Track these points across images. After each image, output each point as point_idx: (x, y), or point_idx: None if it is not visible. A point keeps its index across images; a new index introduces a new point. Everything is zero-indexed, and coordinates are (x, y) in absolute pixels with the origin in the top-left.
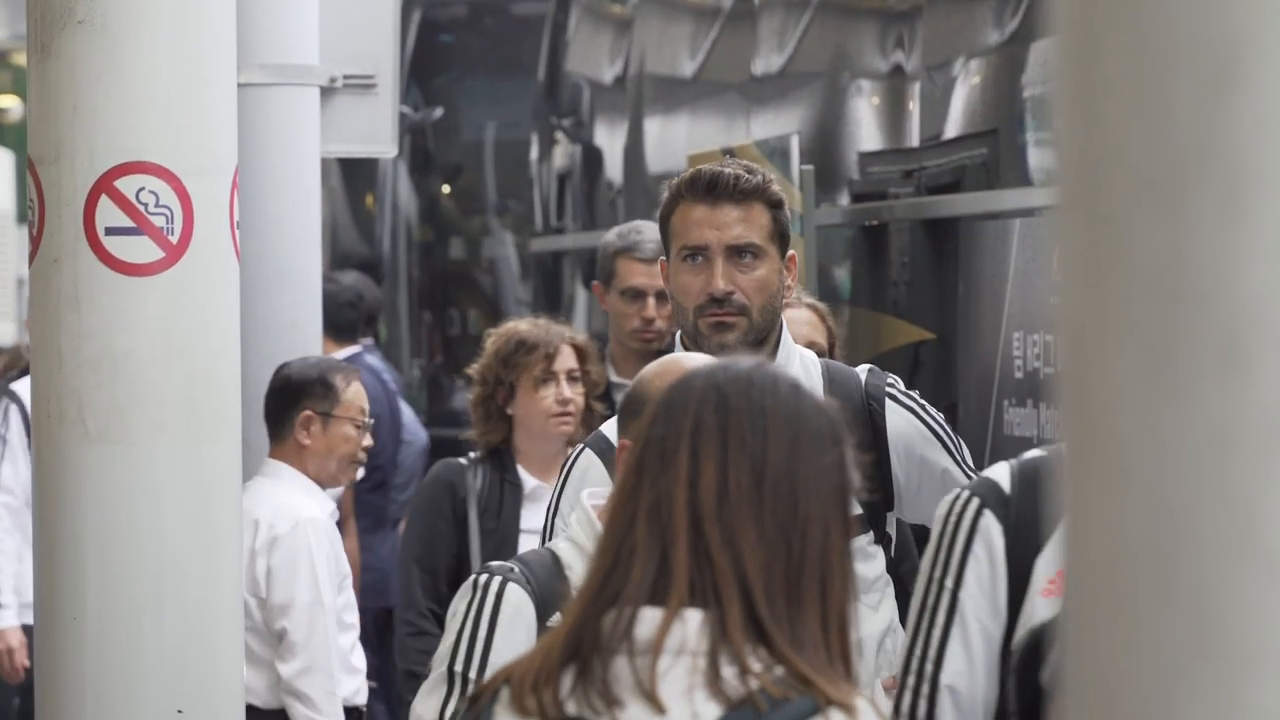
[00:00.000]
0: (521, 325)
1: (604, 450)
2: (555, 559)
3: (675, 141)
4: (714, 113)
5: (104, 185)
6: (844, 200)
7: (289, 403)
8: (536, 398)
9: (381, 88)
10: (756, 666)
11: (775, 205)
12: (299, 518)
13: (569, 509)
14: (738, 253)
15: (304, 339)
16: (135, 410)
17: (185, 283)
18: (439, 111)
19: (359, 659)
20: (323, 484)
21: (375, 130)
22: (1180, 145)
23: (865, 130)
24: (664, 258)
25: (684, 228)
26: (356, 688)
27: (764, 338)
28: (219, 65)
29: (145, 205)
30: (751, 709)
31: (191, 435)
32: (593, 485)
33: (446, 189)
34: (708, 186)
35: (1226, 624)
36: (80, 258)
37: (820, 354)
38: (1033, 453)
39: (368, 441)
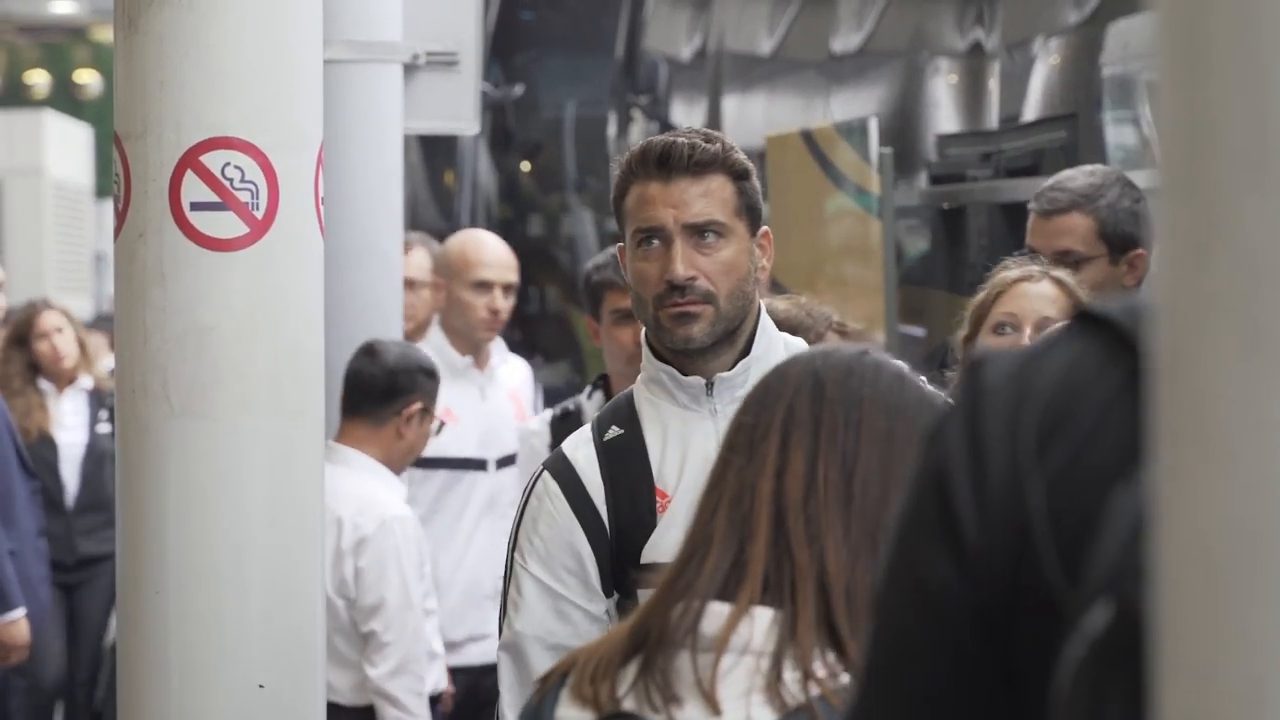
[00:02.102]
0: (779, 304)
1: (562, 471)
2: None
3: (753, 120)
4: (792, 92)
5: (190, 160)
6: (922, 183)
7: (401, 390)
8: None
9: (464, 65)
10: (821, 673)
11: (740, 175)
12: (385, 516)
13: (526, 541)
14: (698, 232)
15: (384, 317)
16: (219, 385)
17: (270, 258)
18: (519, 89)
19: (438, 643)
20: (397, 473)
21: (457, 107)
22: None
23: (944, 112)
24: (620, 245)
25: (637, 208)
26: (438, 676)
27: (735, 328)
28: (305, 41)
29: (230, 180)
30: (807, 717)
31: (275, 410)
32: (548, 515)
33: (526, 166)
34: (659, 160)
35: None
36: (165, 233)
37: None
38: None
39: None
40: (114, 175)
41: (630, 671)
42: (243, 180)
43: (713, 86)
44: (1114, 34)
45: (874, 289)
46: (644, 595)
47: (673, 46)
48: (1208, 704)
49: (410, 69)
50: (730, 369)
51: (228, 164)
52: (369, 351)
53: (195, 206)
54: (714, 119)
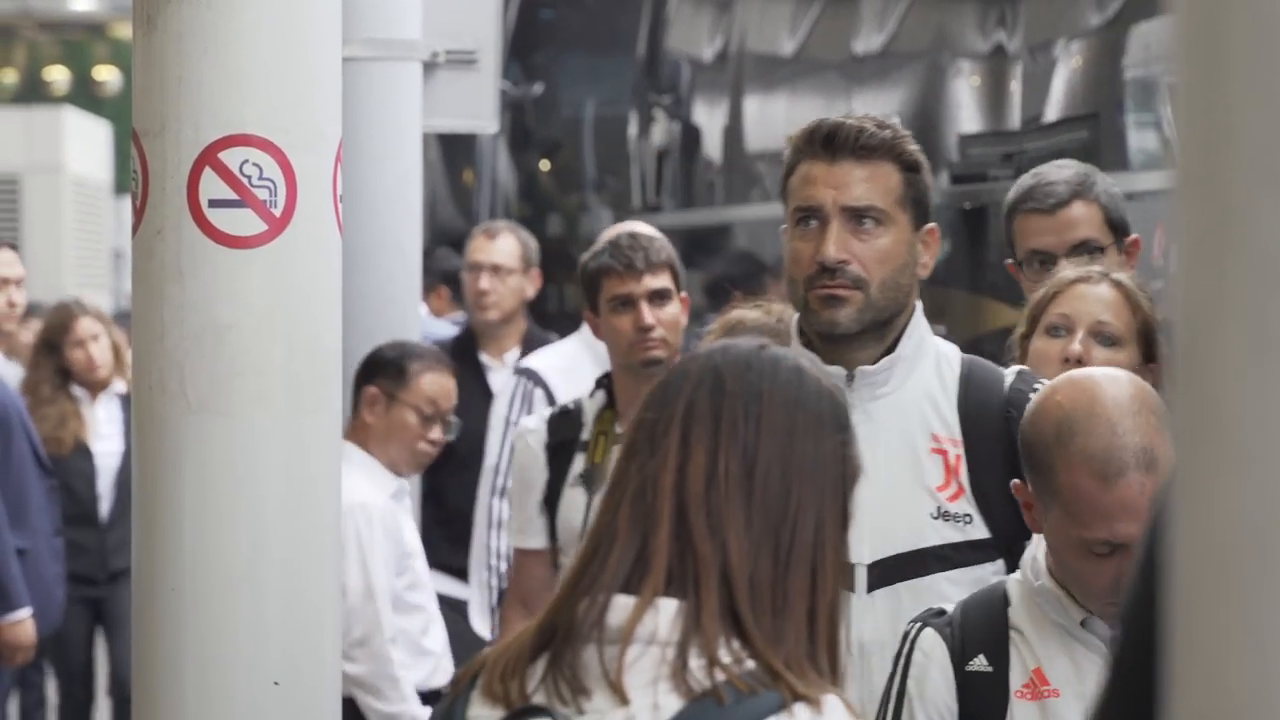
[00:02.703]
0: (748, 314)
1: None
2: (1004, 595)
3: (774, 121)
4: (814, 92)
5: (208, 158)
6: (944, 182)
7: (362, 378)
8: None
9: (483, 63)
10: (726, 659)
11: (909, 166)
12: (348, 503)
13: None
14: (856, 216)
15: (402, 314)
16: (236, 382)
17: (288, 256)
18: (539, 87)
19: (434, 640)
20: (396, 470)
21: (476, 105)
22: None
23: (965, 112)
24: (784, 226)
25: (799, 187)
26: (431, 670)
27: (885, 320)
28: (324, 39)
29: (249, 178)
30: (713, 702)
31: (292, 407)
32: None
33: (545, 165)
34: (825, 139)
35: None
36: (183, 230)
37: (1113, 341)
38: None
39: (436, 435)
40: (132, 172)
41: (539, 667)
42: (261, 178)
43: (734, 87)
44: (1136, 36)
45: None
46: None
47: (694, 46)
48: (1219, 700)
49: (429, 67)
50: (874, 363)
51: (246, 161)
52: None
53: (213, 204)
54: (735, 119)
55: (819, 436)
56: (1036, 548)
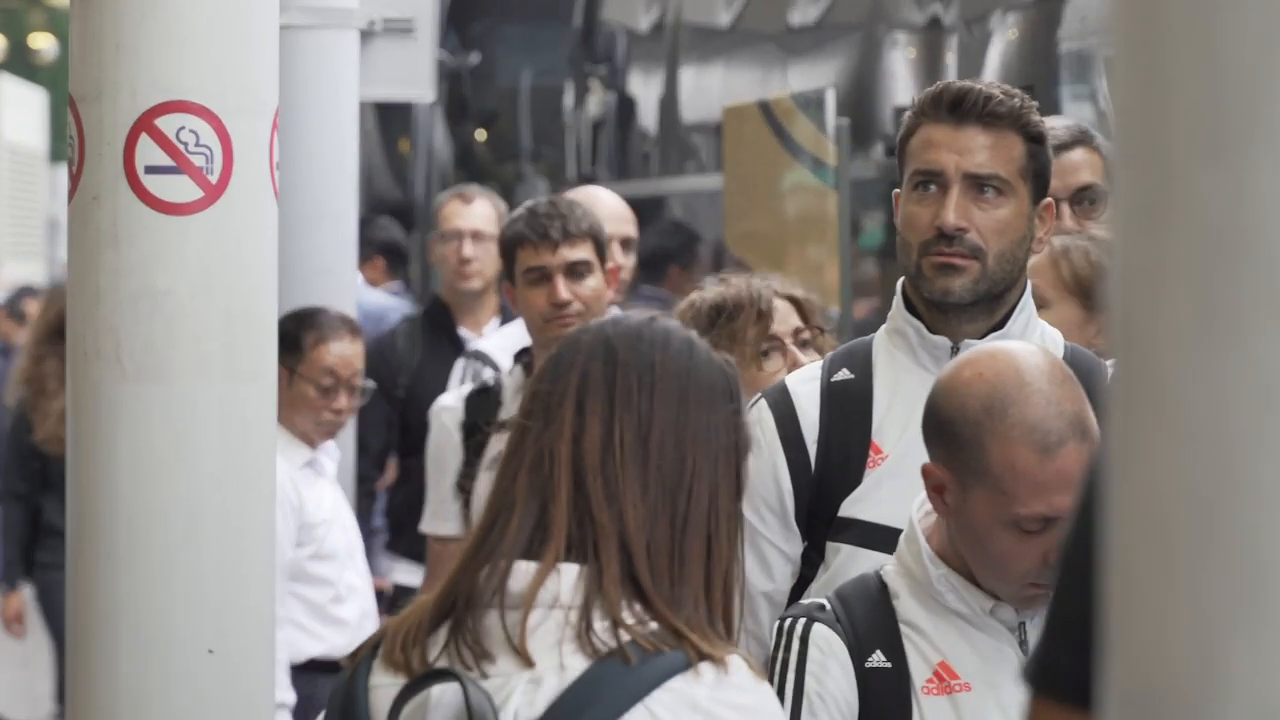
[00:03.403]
0: (708, 296)
1: (779, 402)
2: (882, 586)
3: (710, 92)
4: (750, 64)
5: (144, 124)
6: (879, 154)
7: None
8: (761, 377)
9: (420, 32)
10: (629, 620)
11: (1033, 138)
12: None
13: None
14: (978, 184)
15: (338, 282)
16: (172, 349)
17: (224, 223)
18: (475, 57)
19: (349, 610)
20: (308, 441)
21: (413, 75)
22: (1241, 93)
23: (901, 84)
24: (896, 190)
25: (920, 149)
26: (348, 640)
27: (998, 293)
28: (262, 6)
29: (185, 144)
30: (619, 661)
31: (228, 374)
32: (755, 444)
33: (481, 135)
34: (953, 103)
35: (1278, 577)
36: (120, 196)
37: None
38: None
39: (342, 404)
40: (68, 138)
41: (440, 636)
42: (197, 144)
43: (670, 57)
44: (1071, 9)
45: (830, 261)
46: (832, 550)
47: (631, 17)
48: (1158, 671)
49: (366, 35)
50: (981, 337)
51: (183, 128)
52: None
53: (150, 170)
54: (671, 90)
55: (712, 406)
56: (921, 538)
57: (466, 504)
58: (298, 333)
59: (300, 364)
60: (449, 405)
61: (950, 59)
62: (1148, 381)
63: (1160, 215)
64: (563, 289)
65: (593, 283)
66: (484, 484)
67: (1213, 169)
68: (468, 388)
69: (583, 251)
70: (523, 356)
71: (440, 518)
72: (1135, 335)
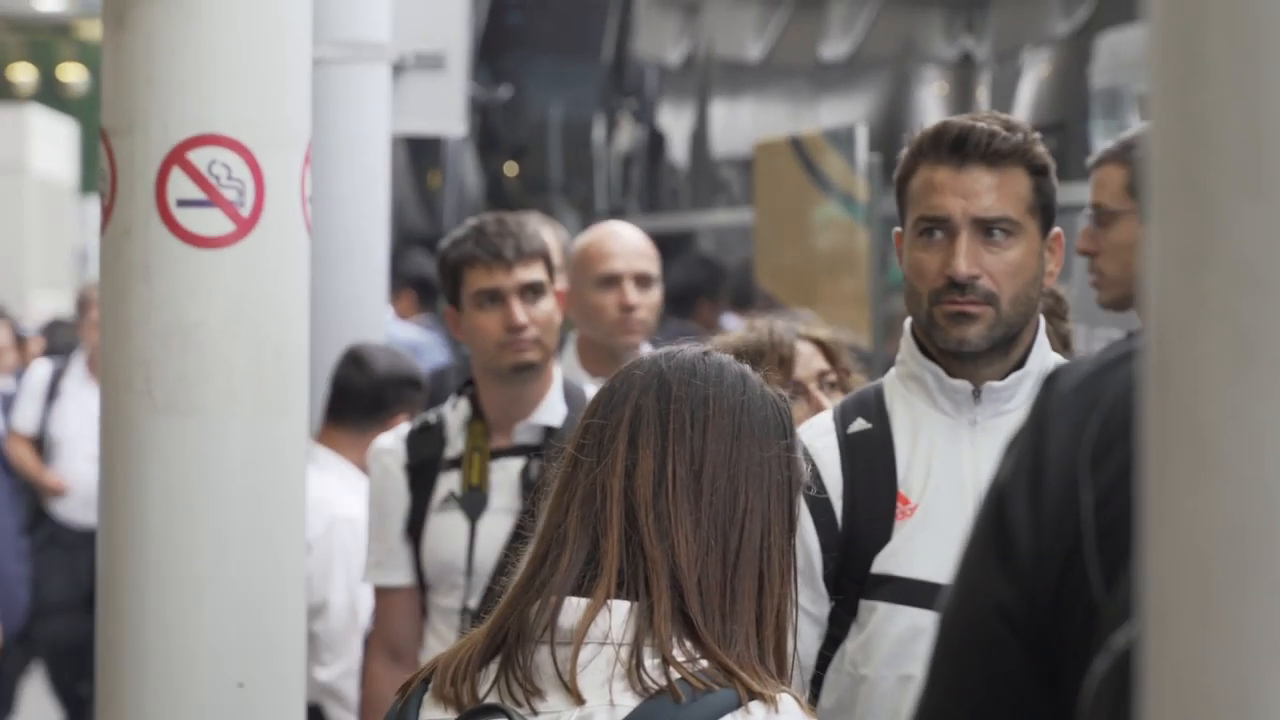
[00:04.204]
0: (730, 338)
1: None
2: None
3: (741, 127)
4: (781, 99)
5: (176, 157)
6: None
7: (387, 403)
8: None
9: (451, 66)
10: (679, 658)
11: (1038, 171)
12: (334, 516)
13: None
14: (986, 228)
15: (368, 316)
16: (203, 382)
17: (256, 256)
18: (506, 90)
19: None
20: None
21: (444, 108)
22: None
23: (932, 119)
24: (897, 229)
25: (923, 194)
26: None
27: (1014, 335)
28: (294, 39)
29: (218, 178)
30: (669, 699)
31: (259, 408)
32: None
33: (512, 168)
34: (954, 144)
35: None
36: (151, 229)
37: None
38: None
39: None
40: (100, 171)
41: (491, 671)
42: (229, 178)
43: (701, 92)
44: (1103, 45)
45: (861, 297)
46: (867, 608)
47: (661, 51)
48: (1195, 707)
49: (398, 69)
50: (1001, 379)
51: (214, 161)
52: (356, 361)
53: (182, 203)
54: (702, 124)
55: (765, 441)
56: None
57: (417, 549)
58: (421, 378)
59: (413, 410)
60: (388, 447)
61: (982, 94)
62: (1185, 420)
63: (1198, 253)
64: (519, 312)
65: (546, 305)
66: (435, 526)
67: (1251, 206)
68: (405, 427)
69: (536, 272)
70: (465, 389)
71: (386, 568)
72: (1172, 373)
